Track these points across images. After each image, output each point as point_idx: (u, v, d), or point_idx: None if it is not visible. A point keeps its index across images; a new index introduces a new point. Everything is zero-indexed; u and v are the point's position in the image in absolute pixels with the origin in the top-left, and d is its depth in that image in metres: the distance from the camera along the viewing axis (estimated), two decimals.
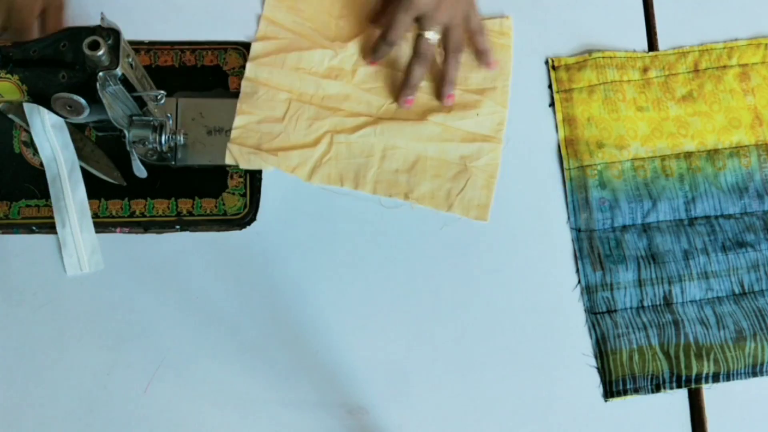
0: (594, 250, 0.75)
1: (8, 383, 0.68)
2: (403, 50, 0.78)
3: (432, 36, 0.74)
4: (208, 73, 0.77)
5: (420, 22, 0.74)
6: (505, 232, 0.75)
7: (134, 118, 0.66)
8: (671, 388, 0.71)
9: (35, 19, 0.74)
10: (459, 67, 0.76)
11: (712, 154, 0.79)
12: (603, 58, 0.81)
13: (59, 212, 0.71)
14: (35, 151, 0.72)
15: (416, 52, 0.75)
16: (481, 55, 0.77)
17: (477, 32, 0.76)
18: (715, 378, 0.72)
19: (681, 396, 0.72)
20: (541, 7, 0.83)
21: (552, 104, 0.80)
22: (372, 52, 0.77)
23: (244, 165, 0.71)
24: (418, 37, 0.74)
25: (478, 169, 0.75)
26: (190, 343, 0.70)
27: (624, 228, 0.77)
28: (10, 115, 0.70)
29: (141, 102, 0.65)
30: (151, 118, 0.67)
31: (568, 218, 0.76)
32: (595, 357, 0.72)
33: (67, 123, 0.71)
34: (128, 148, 0.67)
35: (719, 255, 0.76)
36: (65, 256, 0.71)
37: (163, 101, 0.68)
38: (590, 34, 0.82)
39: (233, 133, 0.73)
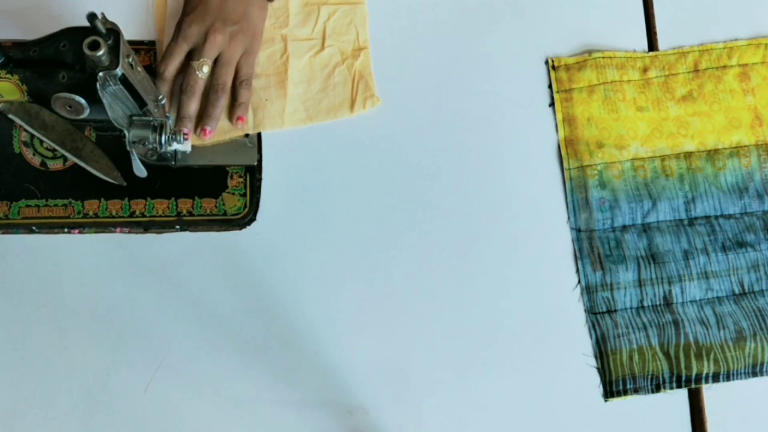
0: (594, 250, 0.75)
1: (8, 383, 0.68)
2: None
3: (198, 67, 0.72)
4: None
5: (190, 54, 0.73)
6: (505, 232, 0.75)
7: (134, 118, 0.66)
8: (671, 388, 0.71)
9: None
10: (219, 105, 0.73)
11: (712, 154, 0.79)
12: (603, 58, 0.81)
13: None
14: (35, 151, 0.73)
15: (183, 84, 0.73)
16: (233, 108, 0.74)
17: (243, 82, 0.74)
18: (715, 378, 0.72)
19: (681, 396, 0.72)
20: (541, 7, 0.83)
21: (552, 104, 0.80)
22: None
23: None
24: (187, 68, 0.73)
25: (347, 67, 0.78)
26: (190, 343, 0.70)
27: (624, 228, 0.77)
28: (10, 115, 0.70)
29: (141, 102, 0.65)
30: (151, 118, 0.67)
31: (568, 218, 0.76)
32: (595, 357, 0.72)
33: (67, 123, 0.71)
34: (128, 148, 0.67)
35: (719, 255, 0.76)
36: None
37: (163, 101, 0.68)
38: (590, 34, 0.82)
39: None
